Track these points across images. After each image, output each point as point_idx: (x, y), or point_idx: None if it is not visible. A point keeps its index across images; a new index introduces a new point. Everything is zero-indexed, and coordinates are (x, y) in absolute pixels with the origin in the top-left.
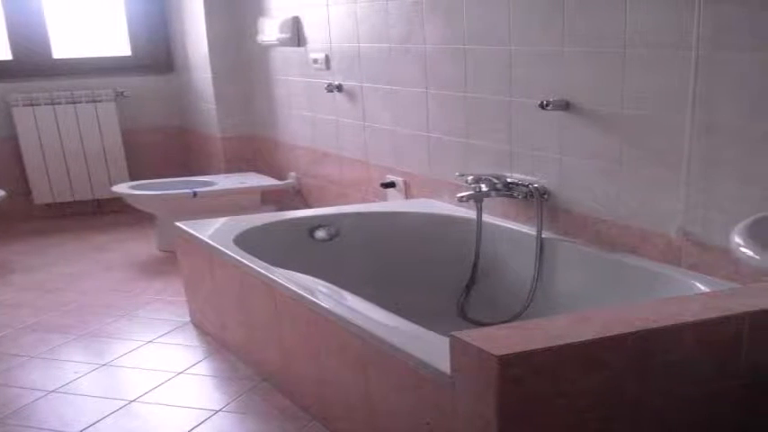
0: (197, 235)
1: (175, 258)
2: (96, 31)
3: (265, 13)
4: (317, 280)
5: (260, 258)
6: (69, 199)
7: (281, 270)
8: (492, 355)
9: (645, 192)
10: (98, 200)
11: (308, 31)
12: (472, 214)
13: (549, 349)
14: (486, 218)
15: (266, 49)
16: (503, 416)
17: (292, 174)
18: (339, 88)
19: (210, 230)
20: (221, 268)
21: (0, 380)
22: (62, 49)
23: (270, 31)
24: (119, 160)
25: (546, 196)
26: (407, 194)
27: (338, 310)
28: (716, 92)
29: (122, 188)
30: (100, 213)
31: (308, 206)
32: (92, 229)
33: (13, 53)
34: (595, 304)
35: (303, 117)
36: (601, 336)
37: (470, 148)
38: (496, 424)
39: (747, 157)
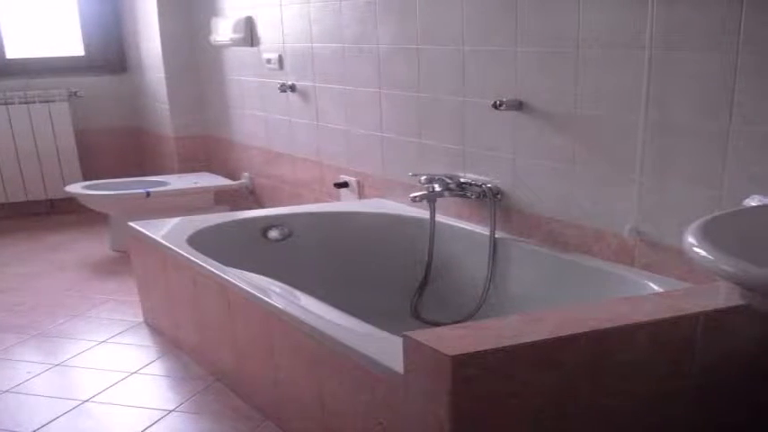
0: (150, 235)
1: (129, 258)
2: (49, 31)
3: (218, 13)
4: (270, 280)
5: (213, 258)
6: (23, 199)
7: (235, 270)
8: (445, 355)
9: (598, 192)
10: (51, 200)
11: (262, 31)
12: (425, 214)
13: (503, 349)
14: (439, 218)
15: (220, 49)
16: (456, 416)
17: (246, 174)
18: (292, 88)
19: (164, 230)
20: (174, 268)
21: None
22: (15, 49)
23: (223, 31)
24: (72, 160)
25: (499, 196)
26: (361, 194)
27: (291, 310)
28: (669, 92)
29: (76, 188)
30: (53, 213)
31: (261, 206)
32: (45, 230)
33: None
34: (549, 304)
35: (256, 117)
36: (554, 336)
37: (424, 148)
38: (449, 424)
39: (700, 156)
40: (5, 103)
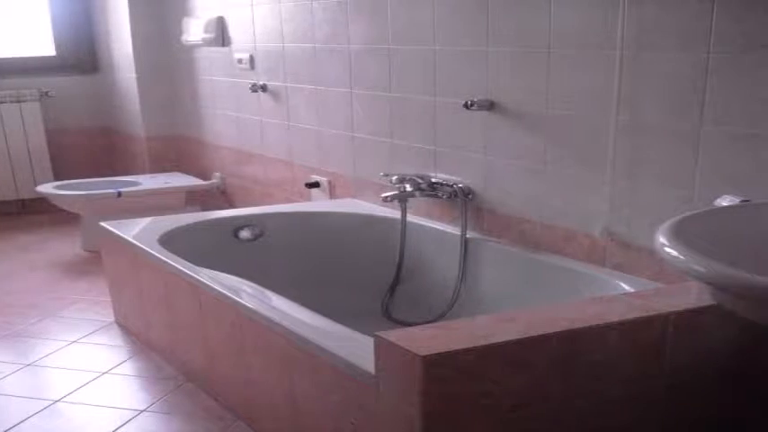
0: (121, 235)
1: (100, 258)
2: (20, 31)
3: (190, 13)
4: (241, 280)
5: (185, 258)
6: None
7: (206, 270)
8: (416, 355)
9: (569, 192)
10: (23, 200)
11: (233, 31)
12: (397, 214)
13: (474, 349)
14: (410, 218)
15: (191, 49)
16: (427, 416)
17: (217, 174)
18: (264, 88)
19: (135, 230)
20: (146, 268)
21: None
22: None
23: (194, 31)
24: (43, 160)
25: (470, 196)
26: (332, 194)
27: (263, 310)
28: (640, 92)
29: (47, 188)
30: (24, 213)
31: (232, 206)
32: (16, 230)
33: None
34: (520, 304)
35: (228, 117)
36: (525, 336)
37: (395, 148)
38: (421, 424)
39: (671, 157)
40: None
